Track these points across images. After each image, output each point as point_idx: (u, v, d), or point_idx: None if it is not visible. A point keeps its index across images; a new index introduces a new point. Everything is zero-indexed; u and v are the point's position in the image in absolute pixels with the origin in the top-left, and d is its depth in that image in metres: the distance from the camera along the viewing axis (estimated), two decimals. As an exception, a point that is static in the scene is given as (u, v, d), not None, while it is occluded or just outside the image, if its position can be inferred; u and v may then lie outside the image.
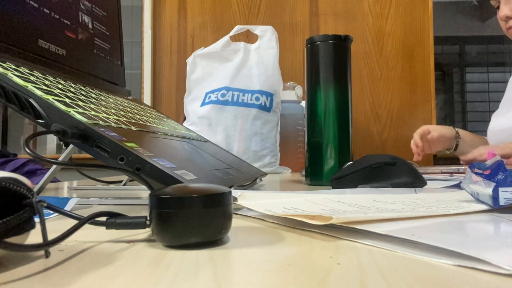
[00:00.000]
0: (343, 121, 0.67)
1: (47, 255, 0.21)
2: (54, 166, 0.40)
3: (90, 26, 0.65)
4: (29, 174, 1.22)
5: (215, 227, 0.23)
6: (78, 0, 0.61)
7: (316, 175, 0.67)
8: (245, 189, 0.47)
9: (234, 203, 0.34)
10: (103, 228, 0.24)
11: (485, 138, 1.24)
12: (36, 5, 0.51)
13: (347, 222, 0.25)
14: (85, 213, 0.32)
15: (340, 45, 0.68)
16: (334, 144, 0.67)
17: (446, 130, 1.19)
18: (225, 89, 1.08)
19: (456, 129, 1.22)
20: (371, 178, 0.54)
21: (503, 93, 1.27)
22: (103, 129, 0.37)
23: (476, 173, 0.34)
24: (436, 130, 1.16)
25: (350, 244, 0.23)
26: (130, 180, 0.66)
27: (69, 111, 0.37)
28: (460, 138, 1.21)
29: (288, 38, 1.88)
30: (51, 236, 0.20)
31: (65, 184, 0.71)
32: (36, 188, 0.39)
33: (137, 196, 0.44)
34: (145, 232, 0.27)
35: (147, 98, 1.88)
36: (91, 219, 0.23)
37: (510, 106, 1.17)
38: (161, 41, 1.92)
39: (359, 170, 0.55)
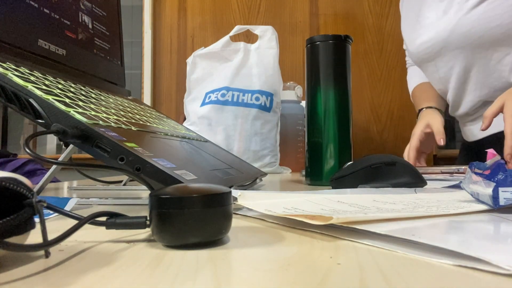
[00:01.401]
0: (343, 121, 0.67)
1: (47, 255, 0.21)
2: (54, 166, 0.40)
3: (90, 26, 0.65)
4: (29, 174, 1.22)
5: (215, 227, 0.23)
6: (78, 0, 0.61)
7: (316, 175, 0.67)
8: (245, 189, 0.47)
9: (234, 203, 0.34)
10: (103, 228, 0.24)
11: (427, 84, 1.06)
12: (36, 5, 0.51)
13: (347, 222, 0.25)
14: (85, 213, 0.32)
15: (340, 45, 0.68)
16: (334, 144, 0.67)
17: (438, 118, 0.93)
18: (225, 89, 1.08)
19: (432, 107, 0.98)
20: (371, 178, 0.54)
21: None
22: (103, 129, 0.37)
23: (476, 173, 0.34)
24: (436, 126, 0.89)
25: (350, 244, 0.23)
26: (130, 180, 0.66)
27: (69, 111, 0.37)
28: (442, 111, 1.01)
29: (288, 38, 1.87)
30: (51, 236, 0.20)
31: (65, 184, 0.71)
32: (36, 188, 0.39)
33: (137, 196, 0.44)
34: (145, 232, 0.27)
35: (147, 98, 1.88)
36: (91, 219, 0.23)
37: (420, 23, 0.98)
38: (161, 41, 1.92)
39: (359, 170, 0.55)
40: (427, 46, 0.95)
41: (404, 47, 1.12)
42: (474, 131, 0.99)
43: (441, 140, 0.86)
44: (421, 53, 0.98)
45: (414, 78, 1.13)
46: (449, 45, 0.91)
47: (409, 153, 0.90)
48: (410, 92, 1.14)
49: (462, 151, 1.11)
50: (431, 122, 0.91)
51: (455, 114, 1.04)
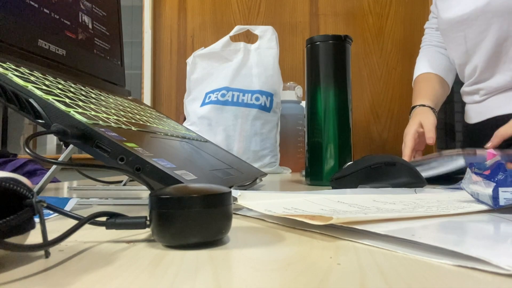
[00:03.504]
0: (343, 121, 0.67)
1: (47, 255, 0.21)
2: (54, 166, 0.40)
3: (90, 26, 0.65)
4: (29, 174, 1.22)
5: (215, 227, 0.23)
6: (78, 0, 0.61)
7: (316, 175, 0.67)
8: (245, 189, 0.47)
9: (234, 203, 0.34)
10: (103, 228, 0.24)
11: (434, 81, 1.05)
12: (36, 5, 0.51)
13: (347, 222, 0.25)
14: (85, 213, 0.32)
15: (340, 45, 0.68)
16: (334, 144, 0.67)
17: (431, 117, 0.93)
18: (225, 89, 1.08)
19: (426, 105, 0.98)
20: (371, 178, 0.54)
21: None
22: (103, 129, 0.37)
23: (476, 173, 0.34)
24: (428, 126, 0.90)
25: (350, 244, 0.23)
26: (130, 180, 0.66)
27: (69, 111, 0.37)
28: (436, 110, 1.01)
29: (288, 38, 1.87)
30: (51, 236, 0.20)
31: (65, 184, 0.71)
32: (36, 188, 0.39)
33: (137, 196, 0.44)
34: (145, 232, 0.27)
35: (147, 98, 1.88)
36: (91, 219, 0.23)
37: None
38: (161, 41, 1.92)
39: (359, 170, 0.55)
40: (463, 13, 0.94)
41: (433, 15, 1.11)
42: (482, 109, 0.99)
43: (431, 139, 0.86)
44: (453, 20, 0.96)
45: (423, 63, 1.12)
46: (486, 13, 0.90)
47: (405, 153, 0.90)
48: (414, 78, 1.13)
49: (464, 140, 1.12)
50: (423, 121, 0.92)
51: (469, 88, 1.02)
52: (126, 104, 0.61)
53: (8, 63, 0.42)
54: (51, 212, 0.30)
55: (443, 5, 1.01)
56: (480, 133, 0.99)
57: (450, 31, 0.99)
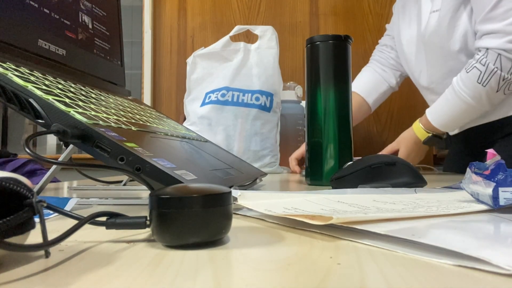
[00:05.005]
0: (343, 121, 0.67)
1: (47, 255, 0.21)
2: (54, 166, 0.40)
3: (90, 26, 0.65)
4: (29, 174, 1.23)
5: (215, 227, 0.23)
6: (78, 0, 0.61)
7: (316, 175, 0.67)
8: (245, 189, 0.47)
9: (234, 203, 0.34)
10: (103, 228, 0.24)
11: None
12: (36, 5, 0.51)
13: (347, 222, 0.25)
14: (85, 213, 0.32)
15: (340, 45, 0.68)
16: (334, 144, 0.67)
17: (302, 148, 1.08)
18: (225, 89, 1.08)
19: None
20: (371, 178, 0.54)
21: None
22: (103, 129, 0.37)
23: (476, 173, 0.34)
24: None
25: (350, 244, 0.23)
26: (130, 180, 0.66)
27: (69, 111, 0.37)
28: None
29: (288, 38, 1.87)
30: (51, 236, 0.20)
31: (65, 184, 0.71)
32: (36, 188, 0.39)
33: (137, 196, 0.44)
34: (145, 232, 0.27)
35: (147, 98, 1.88)
36: (91, 219, 0.23)
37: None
38: (161, 41, 1.92)
39: (359, 170, 0.55)
40: (408, 37, 1.10)
41: (387, 33, 1.26)
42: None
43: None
44: (399, 42, 1.14)
45: (356, 81, 1.26)
46: (419, 40, 1.04)
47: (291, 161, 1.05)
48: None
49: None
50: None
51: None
52: (126, 104, 0.61)
53: (8, 63, 0.42)
54: (51, 212, 0.30)
55: (397, 33, 1.15)
56: (465, 141, 1.14)
57: (400, 51, 1.15)
